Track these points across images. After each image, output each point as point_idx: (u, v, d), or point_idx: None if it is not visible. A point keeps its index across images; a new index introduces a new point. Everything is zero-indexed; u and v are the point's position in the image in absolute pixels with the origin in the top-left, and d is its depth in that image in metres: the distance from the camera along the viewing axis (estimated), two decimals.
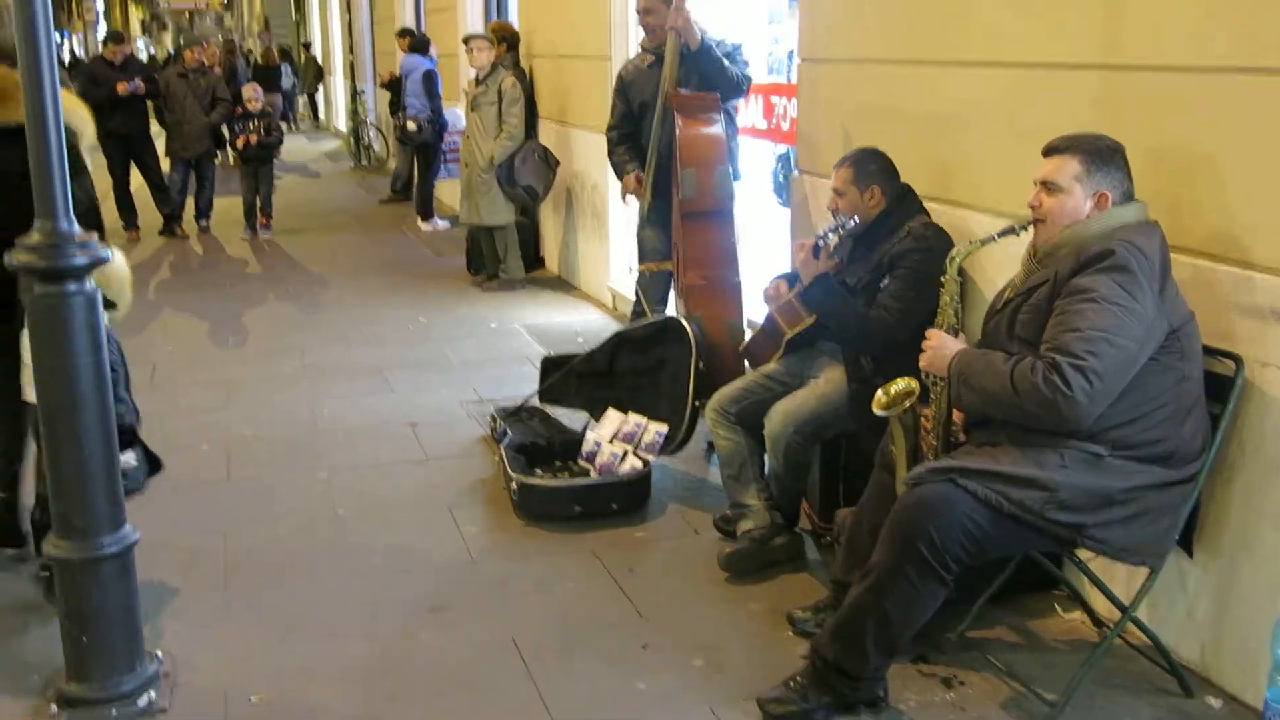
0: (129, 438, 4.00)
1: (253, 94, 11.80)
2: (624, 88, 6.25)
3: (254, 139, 11.33)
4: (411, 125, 12.23)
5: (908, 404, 3.37)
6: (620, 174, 6.31)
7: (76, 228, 3.12)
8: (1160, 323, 3.01)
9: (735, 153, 5.96)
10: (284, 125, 16.44)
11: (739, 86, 5.66)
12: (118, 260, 3.80)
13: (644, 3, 5.93)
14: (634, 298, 6.52)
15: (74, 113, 3.85)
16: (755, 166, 6.70)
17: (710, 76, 5.53)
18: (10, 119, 3.57)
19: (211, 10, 40.25)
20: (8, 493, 4.27)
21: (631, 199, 6.30)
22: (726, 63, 5.56)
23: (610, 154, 6.39)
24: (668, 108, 5.55)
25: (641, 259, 6.24)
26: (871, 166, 4.17)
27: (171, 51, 31.07)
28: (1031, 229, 3.28)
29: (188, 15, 40.25)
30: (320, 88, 27.59)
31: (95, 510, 3.25)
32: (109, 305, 3.72)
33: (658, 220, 6.00)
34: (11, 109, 3.59)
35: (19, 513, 4.30)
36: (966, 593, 3.60)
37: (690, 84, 5.57)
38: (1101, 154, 3.15)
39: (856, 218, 4.16)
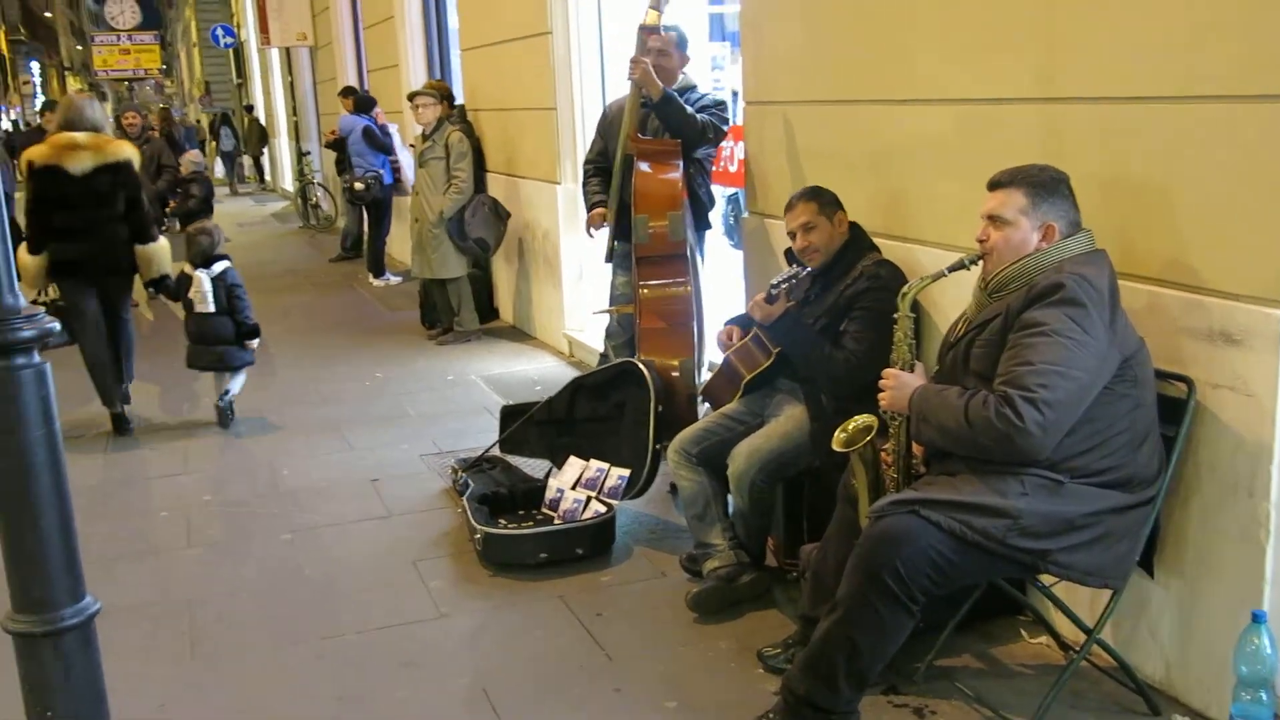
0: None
1: (191, 161, 11.78)
2: (605, 125, 6.25)
3: (195, 224, 11.23)
4: (359, 185, 12.25)
5: (867, 440, 3.41)
6: (589, 206, 6.31)
7: (23, 301, 3.11)
8: (1112, 353, 3.05)
9: (706, 204, 5.96)
10: (227, 188, 16.38)
11: (704, 134, 5.55)
12: (162, 241, 6.87)
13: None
14: (591, 345, 6.50)
15: (128, 147, 6.73)
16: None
17: (674, 127, 5.51)
18: (103, 161, 6.42)
19: (151, 78, 40.07)
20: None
21: (599, 234, 6.31)
22: (691, 111, 5.50)
23: (584, 185, 6.41)
24: (628, 156, 5.59)
25: (611, 303, 6.25)
26: (827, 197, 4.25)
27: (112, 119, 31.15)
28: (980, 263, 3.33)
29: (127, 84, 40.09)
30: (265, 150, 27.62)
31: (54, 582, 3.20)
32: (163, 278, 6.84)
33: (625, 264, 6.03)
34: (103, 155, 6.43)
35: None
36: (933, 622, 3.63)
37: (657, 133, 5.60)
38: (1046, 185, 3.21)
39: (808, 264, 4.21)
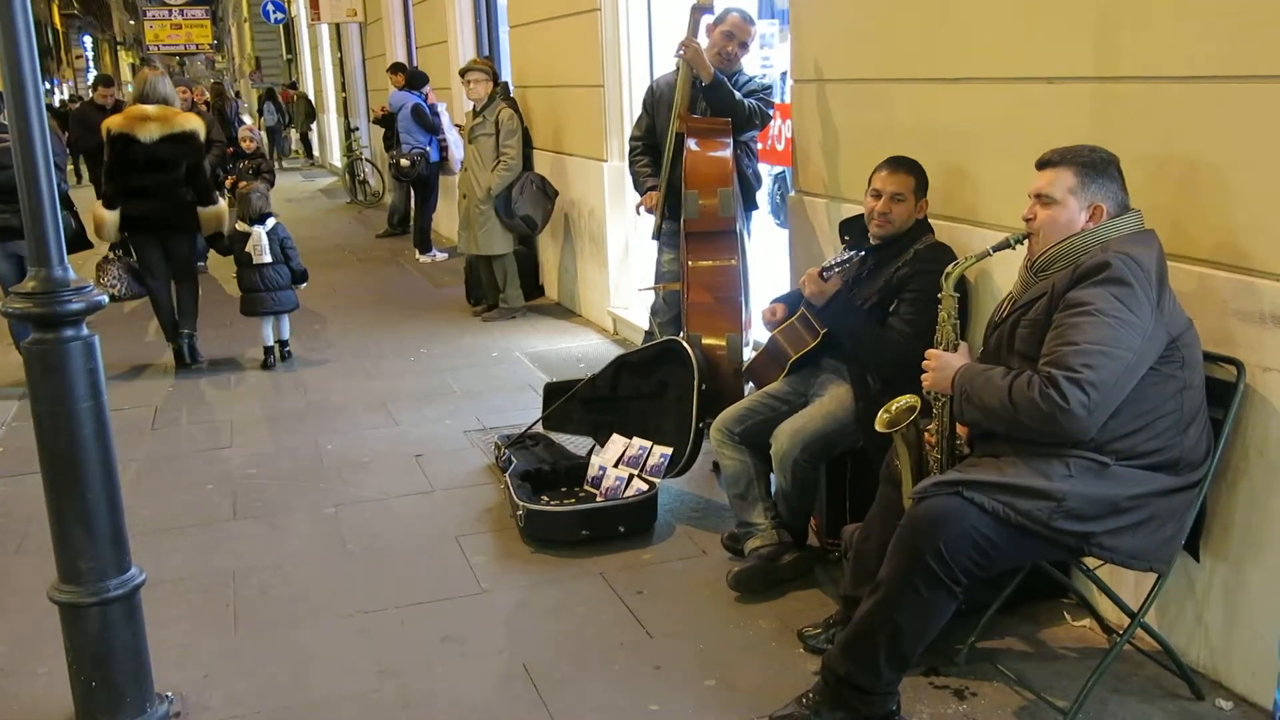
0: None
1: (248, 134, 11.83)
2: (653, 101, 6.22)
3: (244, 184, 11.28)
4: (404, 162, 12.28)
5: (910, 420, 3.38)
6: (639, 186, 6.29)
7: (71, 273, 3.14)
8: (1159, 333, 3.02)
9: (753, 184, 5.95)
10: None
11: (751, 119, 5.57)
12: (221, 204, 7.73)
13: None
14: (636, 322, 6.48)
15: (193, 119, 7.58)
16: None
17: (721, 109, 5.50)
18: (169, 131, 7.30)
19: (202, 53, 40.34)
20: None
21: (647, 215, 6.30)
22: (739, 95, 5.51)
23: (631, 163, 6.38)
24: (679, 134, 5.58)
25: (657, 280, 6.25)
26: (924, 177, 4.20)
27: None
28: (1027, 242, 3.30)
29: (178, 59, 40.40)
30: (314, 126, 27.77)
31: (99, 553, 3.24)
32: (219, 236, 7.76)
33: (672, 241, 6.02)
34: (170, 125, 7.31)
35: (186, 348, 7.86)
36: (975, 604, 3.61)
37: (704, 114, 5.58)
38: (1095, 166, 3.17)
39: (876, 229, 4.18)
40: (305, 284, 8.04)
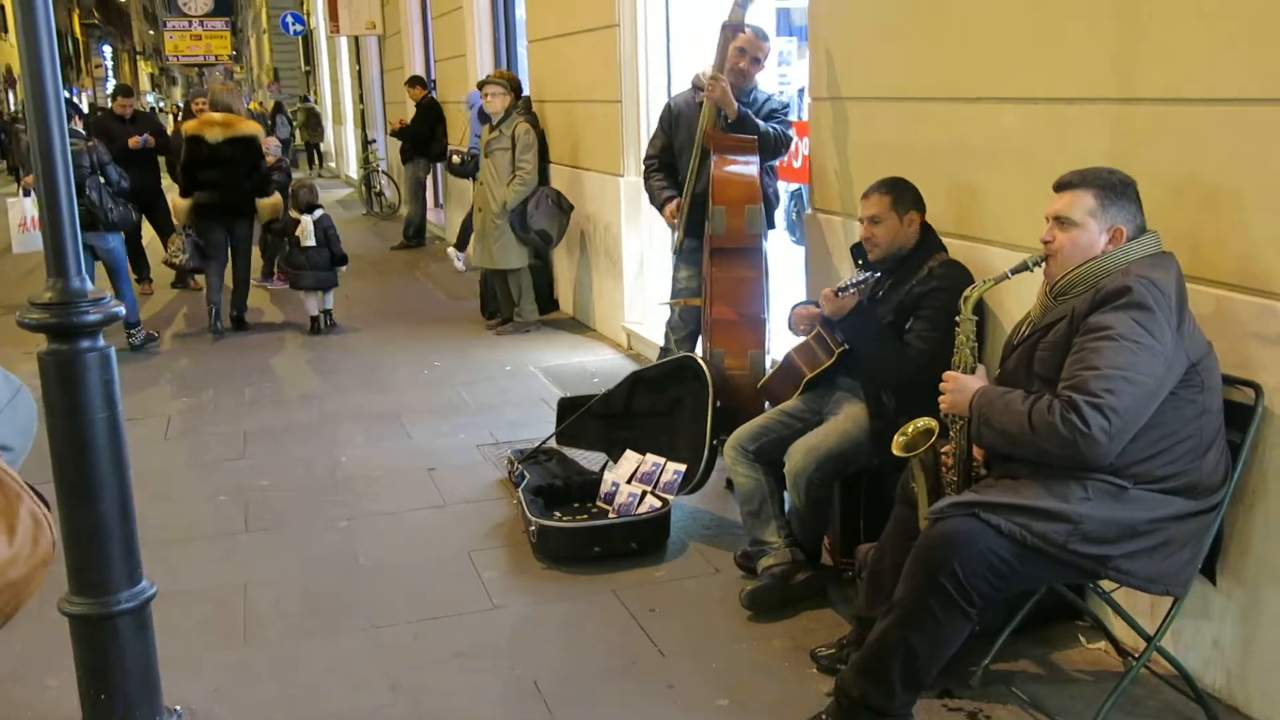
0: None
1: (267, 148, 11.85)
2: (670, 119, 6.20)
3: (296, 180, 11.40)
4: (455, 159, 12.30)
5: (928, 444, 3.36)
6: (657, 202, 6.25)
7: (89, 285, 3.14)
8: (1179, 358, 3.00)
9: (773, 202, 5.96)
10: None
11: (777, 148, 5.59)
12: (276, 195, 9.43)
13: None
14: (650, 338, 6.46)
15: (253, 125, 9.34)
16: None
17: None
18: (231, 134, 8.96)
19: (221, 64, 40.52)
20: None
21: (663, 228, 6.29)
22: (764, 125, 5.50)
23: (646, 180, 6.36)
24: (705, 149, 5.57)
25: (674, 295, 6.24)
26: (907, 194, 4.18)
27: (180, 105, 31.66)
28: (1044, 264, 3.28)
29: (197, 70, 40.56)
30: (320, 138, 27.89)
31: (111, 565, 3.23)
32: (273, 222, 9.51)
33: (691, 258, 6.01)
34: (232, 130, 8.97)
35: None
36: (990, 625, 3.58)
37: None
38: (1115, 188, 3.15)
39: (868, 254, 4.17)
40: (345, 266, 9.51)
